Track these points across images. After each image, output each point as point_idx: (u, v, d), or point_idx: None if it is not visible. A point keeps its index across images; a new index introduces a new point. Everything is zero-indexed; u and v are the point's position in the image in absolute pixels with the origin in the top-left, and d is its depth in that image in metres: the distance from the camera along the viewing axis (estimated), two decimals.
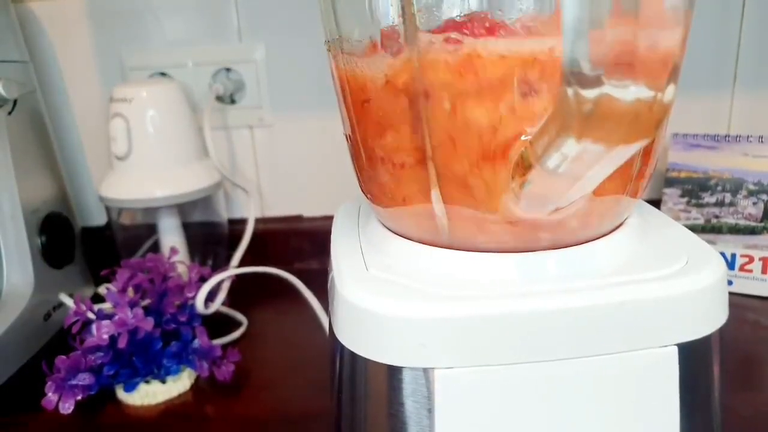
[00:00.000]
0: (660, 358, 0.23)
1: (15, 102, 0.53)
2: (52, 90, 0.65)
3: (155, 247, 0.62)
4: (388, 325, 0.23)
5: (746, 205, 0.54)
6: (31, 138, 0.56)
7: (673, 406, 0.24)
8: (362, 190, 0.30)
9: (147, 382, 0.44)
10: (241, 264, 0.56)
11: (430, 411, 0.23)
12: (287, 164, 0.67)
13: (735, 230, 0.55)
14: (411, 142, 0.24)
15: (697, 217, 0.57)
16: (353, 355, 0.24)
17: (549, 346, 0.23)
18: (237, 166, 0.67)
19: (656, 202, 0.58)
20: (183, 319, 0.47)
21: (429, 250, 0.26)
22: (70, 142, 0.67)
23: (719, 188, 0.55)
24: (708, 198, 0.56)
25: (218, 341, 0.50)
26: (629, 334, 0.23)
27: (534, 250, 0.24)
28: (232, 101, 0.65)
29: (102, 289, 0.60)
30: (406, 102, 0.23)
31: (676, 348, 0.23)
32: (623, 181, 0.24)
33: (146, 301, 0.47)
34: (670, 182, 0.58)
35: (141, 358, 0.44)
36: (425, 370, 0.23)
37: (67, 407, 0.40)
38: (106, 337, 0.42)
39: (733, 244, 0.55)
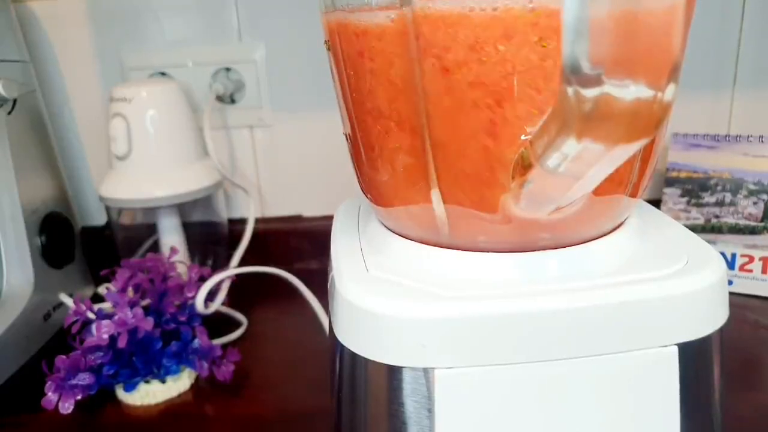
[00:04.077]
0: (660, 358, 0.23)
1: (15, 102, 0.53)
2: (52, 90, 0.65)
3: (155, 247, 0.62)
4: (388, 325, 0.23)
5: (746, 204, 0.54)
6: (31, 138, 0.56)
7: (673, 406, 0.24)
8: (362, 190, 0.30)
9: (147, 381, 0.44)
10: (241, 264, 0.56)
11: (430, 411, 0.23)
12: (287, 164, 0.67)
13: (735, 230, 0.55)
14: (410, 128, 0.23)
15: (697, 217, 0.57)
16: (353, 355, 0.24)
17: (549, 345, 0.23)
18: (237, 166, 0.67)
19: (656, 202, 0.58)
20: (183, 318, 0.47)
21: (429, 250, 0.26)
22: (70, 142, 0.67)
23: (719, 188, 0.55)
24: (708, 198, 0.56)
25: (218, 341, 0.50)
26: (629, 334, 0.23)
27: (534, 250, 0.24)
28: (232, 101, 0.65)
29: (102, 289, 0.61)
30: (401, 64, 0.22)
31: (676, 348, 0.23)
32: (623, 180, 0.24)
33: (146, 301, 0.47)
34: (670, 182, 0.58)
35: (141, 358, 0.44)
36: (425, 370, 0.23)
37: (66, 407, 0.40)
38: (105, 336, 0.42)
39: (733, 244, 0.55)
